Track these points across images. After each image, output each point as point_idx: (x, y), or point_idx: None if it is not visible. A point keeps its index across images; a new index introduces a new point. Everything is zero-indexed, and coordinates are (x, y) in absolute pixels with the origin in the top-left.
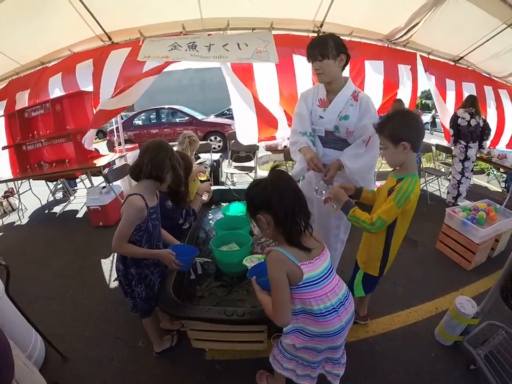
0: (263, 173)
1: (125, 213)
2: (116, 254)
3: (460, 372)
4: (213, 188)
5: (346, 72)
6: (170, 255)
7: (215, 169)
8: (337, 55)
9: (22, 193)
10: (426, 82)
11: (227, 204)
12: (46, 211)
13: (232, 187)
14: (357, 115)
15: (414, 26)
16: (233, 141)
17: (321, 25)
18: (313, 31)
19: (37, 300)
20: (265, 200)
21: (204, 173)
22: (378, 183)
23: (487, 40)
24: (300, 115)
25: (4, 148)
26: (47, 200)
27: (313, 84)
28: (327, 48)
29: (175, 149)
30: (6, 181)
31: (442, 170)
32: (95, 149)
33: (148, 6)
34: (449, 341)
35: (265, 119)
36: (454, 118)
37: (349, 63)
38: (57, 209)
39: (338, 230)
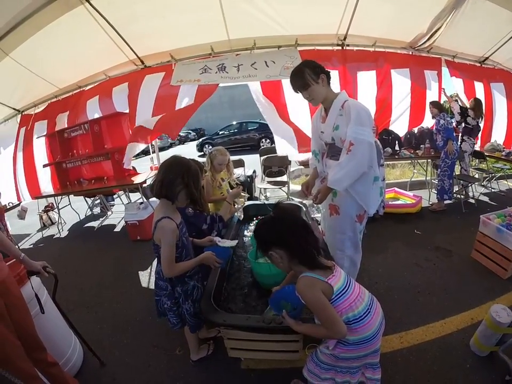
0: (295, 187)
1: (162, 239)
2: (158, 274)
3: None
4: (248, 203)
5: (366, 81)
6: (212, 255)
7: (248, 184)
8: (316, 78)
9: (61, 208)
10: (452, 86)
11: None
12: (84, 225)
13: (265, 202)
14: (346, 123)
15: (436, 31)
16: (265, 156)
17: (344, 38)
18: (337, 44)
19: (76, 307)
20: (277, 236)
21: (241, 193)
22: (410, 193)
23: (511, 38)
24: (312, 135)
25: (45, 166)
26: (85, 215)
27: None
28: (305, 78)
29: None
30: (46, 196)
31: (476, 176)
32: (132, 167)
33: (177, 30)
34: (484, 352)
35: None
36: None
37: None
38: (95, 223)
39: (343, 245)
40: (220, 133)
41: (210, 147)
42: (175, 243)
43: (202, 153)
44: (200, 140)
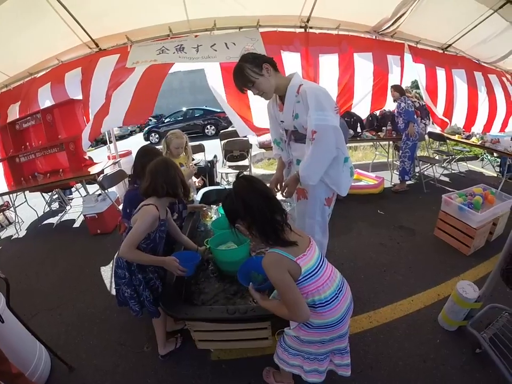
0: (257, 170)
1: (139, 220)
2: (117, 262)
3: (466, 357)
4: (207, 188)
5: (328, 64)
6: (175, 261)
7: (209, 170)
8: (259, 70)
9: (17, 206)
10: (415, 71)
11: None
12: (43, 222)
13: (227, 187)
14: (305, 111)
15: (400, 17)
16: (226, 140)
17: (307, 20)
18: (300, 27)
19: (39, 311)
20: (234, 211)
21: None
22: (372, 174)
23: (475, 27)
24: (270, 123)
25: None
26: (44, 212)
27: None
28: (246, 76)
29: None
30: (0, 195)
31: (436, 158)
32: (88, 157)
33: (133, 10)
34: (453, 326)
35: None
36: None
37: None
38: (54, 220)
39: (312, 230)
40: (166, 120)
41: (157, 136)
42: (148, 233)
43: (149, 142)
44: (146, 128)
